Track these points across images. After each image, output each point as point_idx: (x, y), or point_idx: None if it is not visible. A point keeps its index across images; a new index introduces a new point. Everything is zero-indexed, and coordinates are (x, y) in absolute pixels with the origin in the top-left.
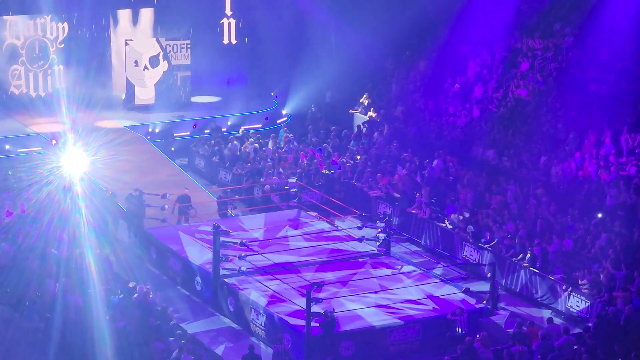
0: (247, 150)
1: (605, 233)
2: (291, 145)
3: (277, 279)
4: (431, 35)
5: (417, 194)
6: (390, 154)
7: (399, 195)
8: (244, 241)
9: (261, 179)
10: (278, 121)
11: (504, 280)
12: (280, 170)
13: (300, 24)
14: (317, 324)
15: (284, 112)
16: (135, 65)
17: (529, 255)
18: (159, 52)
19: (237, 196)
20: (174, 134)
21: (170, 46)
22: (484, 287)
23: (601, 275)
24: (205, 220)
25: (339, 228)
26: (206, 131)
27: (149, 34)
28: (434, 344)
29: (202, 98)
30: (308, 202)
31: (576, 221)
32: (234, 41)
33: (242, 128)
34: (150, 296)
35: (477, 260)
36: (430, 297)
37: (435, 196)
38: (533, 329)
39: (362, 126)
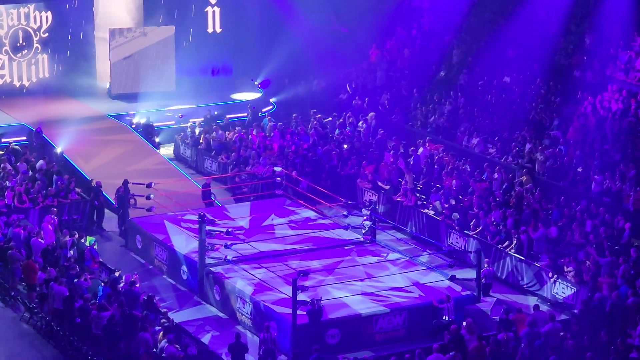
0: (232, 139)
1: (591, 220)
2: (272, 133)
3: (263, 267)
4: (416, 22)
5: (402, 182)
6: (376, 142)
7: (387, 187)
8: (229, 230)
9: (247, 168)
10: (263, 110)
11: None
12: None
13: (284, 12)
14: (304, 312)
15: (271, 100)
16: (118, 54)
17: (515, 242)
18: (144, 42)
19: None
20: (154, 124)
21: (154, 34)
22: (470, 274)
23: (587, 262)
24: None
25: (328, 215)
26: (191, 120)
27: (133, 22)
28: (420, 332)
29: (189, 86)
30: (294, 190)
31: (561, 208)
32: (218, 30)
33: (227, 117)
34: (137, 285)
35: (463, 248)
36: (416, 284)
37: (419, 183)
38: (520, 316)
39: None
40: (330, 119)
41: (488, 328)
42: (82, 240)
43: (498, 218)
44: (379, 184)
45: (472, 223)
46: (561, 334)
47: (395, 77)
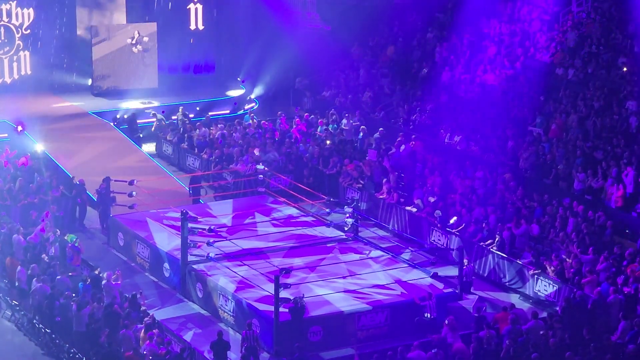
0: (215, 136)
1: (573, 217)
2: (260, 130)
3: (246, 264)
4: (398, 20)
5: (385, 179)
6: (360, 139)
7: (362, 182)
8: (212, 227)
9: (231, 165)
10: (245, 107)
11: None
12: (249, 156)
13: (266, 9)
14: (286, 310)
15: (252, 97)
16: (101, 51)
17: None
18: (128, 39)
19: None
20: (138, 120)
21: (137, 30)
22: (452, 271)
23: (568, 260)
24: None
25: (310, 212)
26: (173, 117)
27: (117, 19)
28: (402, 329)
29: (172, 83)
30: (276, 188)
31: (544, 206)
32: (201, 27)
33: (209, 114)
34: (119, 282)
35: (445, 245)
36: (399, 282)
37: (402, 181)
38: (504, 314)
39: (331, 112)
40: (313, 116)
41: (470, 326)
42: (65, 238)
43: (480, 215)
44: (361, 182)
45: (453, 220)
46: (542, 332)
47: (378, 75)
